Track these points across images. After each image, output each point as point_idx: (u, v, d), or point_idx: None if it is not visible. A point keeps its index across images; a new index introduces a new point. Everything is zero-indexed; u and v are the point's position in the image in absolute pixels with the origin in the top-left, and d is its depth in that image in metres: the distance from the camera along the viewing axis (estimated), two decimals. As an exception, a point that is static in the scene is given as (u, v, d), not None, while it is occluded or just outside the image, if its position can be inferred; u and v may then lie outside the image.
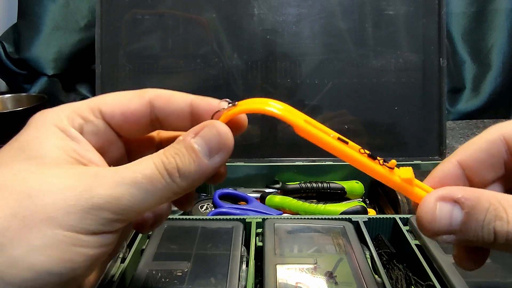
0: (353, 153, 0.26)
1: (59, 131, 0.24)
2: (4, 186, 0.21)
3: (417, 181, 0.26)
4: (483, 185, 0.25)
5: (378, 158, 0.26)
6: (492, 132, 0.25)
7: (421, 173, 0.61)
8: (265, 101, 0.28)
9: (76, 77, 1.06)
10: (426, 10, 0.67)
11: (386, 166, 0.25)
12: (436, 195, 0.23)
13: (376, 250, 0.43)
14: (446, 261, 0.39)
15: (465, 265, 0.25)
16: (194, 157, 0.23)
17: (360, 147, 0.26)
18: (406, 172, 0.25)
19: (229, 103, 0.27)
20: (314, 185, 0.59)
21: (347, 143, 0.26)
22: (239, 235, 0.45)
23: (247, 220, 0.48)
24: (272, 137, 0.69)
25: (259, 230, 0.46)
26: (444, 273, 0.38)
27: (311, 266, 0.39)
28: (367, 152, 0.26)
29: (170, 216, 0.50)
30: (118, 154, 0.28)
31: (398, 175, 0.26)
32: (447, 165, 0.26)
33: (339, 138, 0.26)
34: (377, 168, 0.26)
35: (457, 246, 0.25)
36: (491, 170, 0.25)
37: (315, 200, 0.57)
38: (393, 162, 0.25)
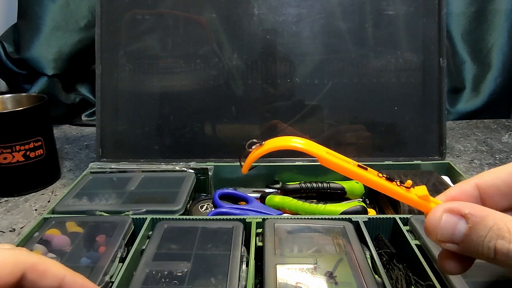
0: (372, 177, 0.29)
1: None
2: None
3: (431, 198, 0.28)
4: (497, 209, 0.26)
5: (395, 180, 0.29)
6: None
7: (421, 173, 0.61)
8: (289, 139, 0.32)
9: (76, 77, 1.07)
10: (426, 10, 0.67)
11: (404, 186, 0.28)
12: (445, 206, 0.25)
13: (376, 250, 0.43)
14: (446, 261, 0.39)
15: (448, 268, 0.26)
16: None
17: (377, 171, 0.29)
18: (422, 190, 0.28)
19: (256, 143, 0.30)
20: (314, 185, 0.59)
21: (366, 169, 0.30)
22: (239, 235, 0.45)
23: (247, 220, 0.48)
24: (272, 137, 0.69)
25: (259, 230, 0.46)
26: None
27: (311, 266, 0.39)
28: (385, 175, 0.29)
29: (170, 216, 0.50)
30: None
31: (415, 193, 0.28)
32: (465, 186, 0.27)
33: (359, 165, 0.30)
34: (395, 189, 0.28)
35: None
36: (506, 199, 0.26)
37: (315, 200, 0.57)
38: (409, 182, 0.28)
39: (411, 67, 0.68)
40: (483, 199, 0.27)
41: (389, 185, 0.29)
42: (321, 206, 0.54)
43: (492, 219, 0.23)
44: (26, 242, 0.45)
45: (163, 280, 0.39)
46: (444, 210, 0.24)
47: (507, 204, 0.27)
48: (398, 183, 0.28)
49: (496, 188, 0.26)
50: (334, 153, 0.30)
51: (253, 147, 0.30)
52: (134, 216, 0.49)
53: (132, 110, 0.70)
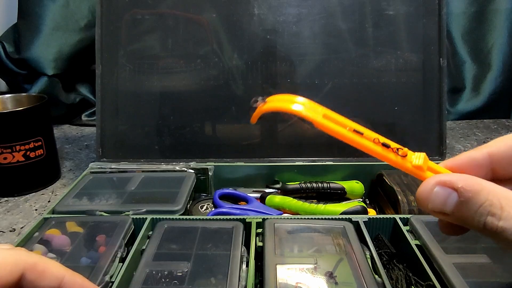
0: (367, 143, 0.28)
1: None
2: None
3: (431, 164, 0.28)
4: (507, 178, 0.26)
5: (392, 146, 0.28)
6: None
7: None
8: (291, 100, 0.30)
9: (76, 77, 1.07)
10: (426, 10, 0.67)
11: (399, 155, 0.28)
12: (437, 179, 0.24)
13: (376, 250, 0.43)
14: (446, 261, 0.39)
15: (446, 230, 0.27)
16: None
17: (375, 136, 0.28)
18: (419, 159, 0.27)
19: (259, 100, 0.30)
20: (314, 185, 0.59)
21: (362, 133, 0.28)
22: (239, 235, 0.45)
23: (247, 220, 0.48)
24: (272, 137, 0.69)
25: (259, 230, 0.46)
26: (444, 273, 0.38)
27: (311, 266, 0.39)
28: (381, 141, 0.28)
29: (170, 216, 0.50)
30: None
31: (410, 161, 0.27)
32: (477, 153, 0.27)
33: (354, 130, 0.29)
34: (390, 156, 0.28)
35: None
36: None
37: (315, 200, 0.57)
38: (405, 151, 0.28)
39: (411, 67, 0.68)
40: (494, 169, 0.26)
41: (384, 152, 0.28)
42: (321, 206, 0.54)
43: (485, 194, 0.22)
44: (26, 242, 0.45)
45: (163, 280, 0.39)
46: (436, 182, 0.24)
47: None
48: (394, 150, 0.28)
49: (509, 158, 0.26)
50: (333, 116, 0.29)
51: (257, 103, 0.31)
52: (134, 216, 0.49)
53: (132, 110, 0.70)
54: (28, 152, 0.66)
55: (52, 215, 0.50)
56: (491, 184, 0.23)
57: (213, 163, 0.63)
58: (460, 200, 0.23)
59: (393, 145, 0.28)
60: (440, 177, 0.24)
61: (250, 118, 0.31)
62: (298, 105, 0.30)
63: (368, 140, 0.28)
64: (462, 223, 0.24)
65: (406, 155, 0.28)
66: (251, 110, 0.31)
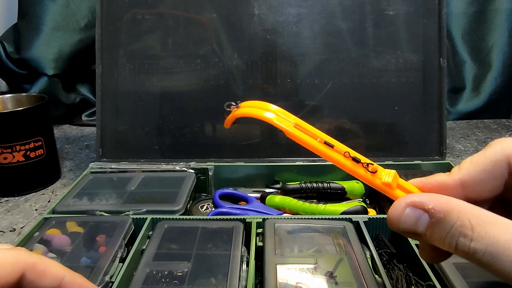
0: (337, 156, 0.28)
1: None
2: None
3: (401, 182, 0.27)
4: (479, 201, 0.25)
5: (362, 161, 0.28)
6: (497, 153, 0.25)
7: (421, 173, 0.61)
8: (264, 107, 0.31)
9: (76, 77, 1.07)
10: (426, 10, 0.67)
11: (368, 170, 0.27)
12: (407, 200, 0.24)
13: (377, 250, 0.43)
14: (446, 261, 0.39)
15: (425, 257, 0.27)
16: None
17: (347, 150, 0.28)
18: (388, 176, 0.27)
19: (233, 105, 0.30)
20: (314, 185, 0.59)
21: (332, 146, 0.28)
22: (239, 235, 0.45)
23: (247, 220, 0.48)
24: (272, 137, 0.69)
25: (260, 230, 0.46)
26: (444, 273, 0.38)
27: (312, 266, 0.39)
28: (352, 156, 0.28)
29: (170, 216, 0.50)
30: None
31: (379, 178, 0.27)
32: (449, 180, 0.26)
33: (325, 142, 0.29)
34: (360, 172, 0.28)
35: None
36: (491, 191, 0.26)
37: (315, 200, 0.57)
38: (375, 166, 0.27)
39: (411, 67, 0.68)
40: (466, 193, 0.26)
41: (354, 167, 0.28)
42: (321, 206, 0.54)
43: (456, 214, 0.22)
44: (26, 242, 0.45)
45: (163, 280, 0.39)
46: (407, 204, 0.24)
47: (493, 195, 0.26)
48: (364, 165, 0.27)
49: (482, 183, 0.25)
50: (304, 127, 0.30)
51: (231, 107, 0.31)
52: (135, 216, 0.49)
53: (132, 110, 0.70)
54: (28, 152, 0.66)
55: (52, 215, 0.50)
56: (461, 203, 0.22)
57: (213, 163, 0.64)
58: (431, 221, 0.23)
59: (364, 160, 0.28)
60: (410, 197, 0.24)
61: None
62: (271, 113, 0.30)
63: (338, 153, 0.28)
64: (436, 244, 0.23)
65: (376, 171, 0.27)
66: (225, 113, 0.31)
